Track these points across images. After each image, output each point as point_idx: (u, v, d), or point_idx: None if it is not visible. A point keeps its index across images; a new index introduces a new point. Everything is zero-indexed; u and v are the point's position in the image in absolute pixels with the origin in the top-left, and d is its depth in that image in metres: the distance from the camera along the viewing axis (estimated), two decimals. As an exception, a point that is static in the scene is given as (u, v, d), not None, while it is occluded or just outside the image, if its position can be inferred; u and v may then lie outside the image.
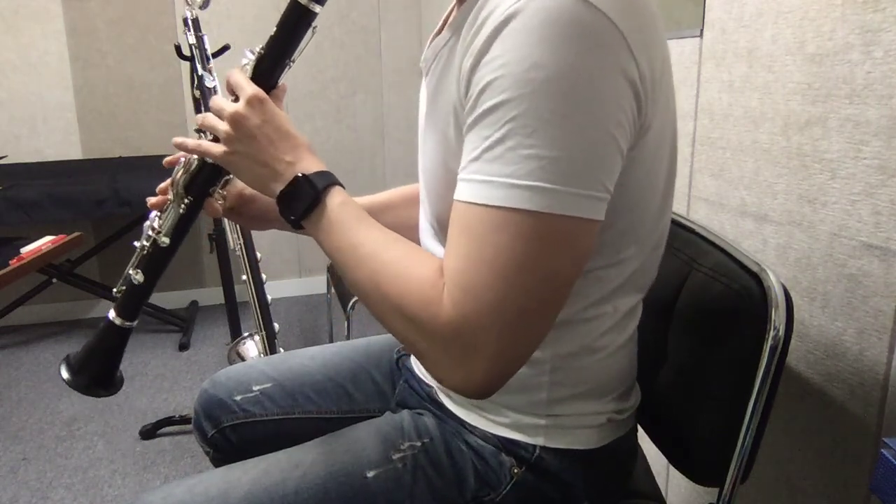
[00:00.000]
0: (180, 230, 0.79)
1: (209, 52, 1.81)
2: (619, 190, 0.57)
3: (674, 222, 0.91)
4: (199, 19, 1.83)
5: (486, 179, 0.52)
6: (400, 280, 0.57)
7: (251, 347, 2.04)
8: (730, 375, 0.70)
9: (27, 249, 1.67)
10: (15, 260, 1.61)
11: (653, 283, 0.73)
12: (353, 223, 0.63)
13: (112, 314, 0.82)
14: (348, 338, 1.99)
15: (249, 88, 0.69)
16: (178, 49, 2.00)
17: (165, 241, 0.78)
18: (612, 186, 0.54)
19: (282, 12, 0.70)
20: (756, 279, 0.70)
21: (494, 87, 0.51)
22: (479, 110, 0.52)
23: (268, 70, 0.72)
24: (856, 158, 0.80)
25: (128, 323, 0.82)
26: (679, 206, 1.22)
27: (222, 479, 0.71)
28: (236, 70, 0.72)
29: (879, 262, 0.78)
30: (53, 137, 2.84)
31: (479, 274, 0.52)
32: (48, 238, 1.77)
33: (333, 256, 0.64)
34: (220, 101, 0.71)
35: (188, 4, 1.77)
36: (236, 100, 0.69)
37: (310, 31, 0.71)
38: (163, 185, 0.82)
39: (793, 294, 0.88)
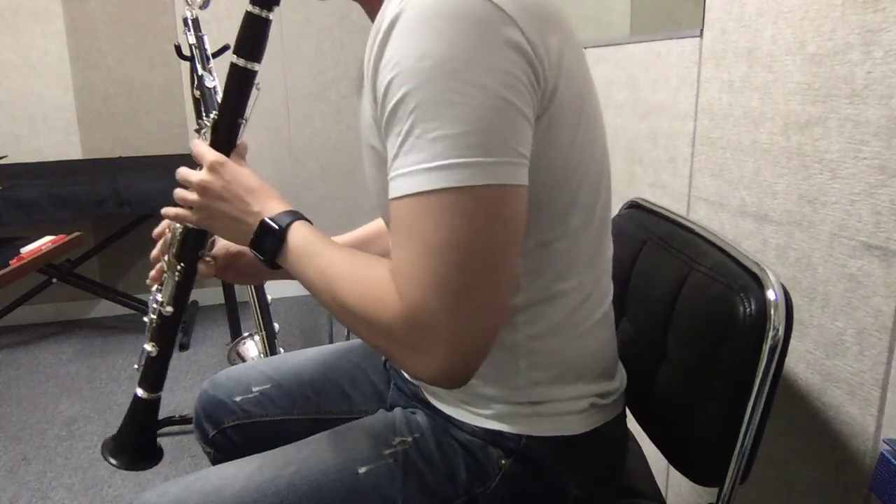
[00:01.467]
0: (180, 297, 0.84)
1: (209, 52, 1.81)
2: (549, 158, 0.60)
3: (674, 222, 0.91)
4: (199, 19, 1.83)
5: (405, 171, 0.54)
6: (355, 288, 0.60)
7: (251, 347, 2.04)
8: (730, 375, 0.70)
9: (27, 249, 1.67)
10: (15, 260, 1.61)
11: (611, 259, 0.75)
12: (315, 250, 0.66)
13: (139, 391, 0.86)
14: (348, 338, 1.99)
15: (210, 155, 0.74)
16: (178, 49, 2.00)
17: (169, 310, 0.83)
18: (525, 151, 0.56)
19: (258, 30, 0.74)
20: (756, 279, 0.70)
21: (393, 86, 0.54)
22: (387, 112, 0.55)
23: (224, 133, 0.76)
24: (856, 158, 0.80)
25: (154, 395, 0.87)
26: (679, 206, 1.22)
27: (217, 477, 0.72)
28: (197, 140, 0.78)
29: (879, 262, 0.77)
30: (53, 137, 2.84)
31: (417, 260, 0.54)
32: (48, 238, 1.77)
33: (305, 285, 0.67)
34: (186, 172, 0.76)
35: (188, 4, 1.77)
36: (202, 169, 0.74)
37: (255, 89, 0.76)
38: (154, 251, 0.86)
39: (793, 294, 0.88)
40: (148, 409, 0.87)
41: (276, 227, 0.68)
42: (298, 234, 0.68)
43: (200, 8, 1.74)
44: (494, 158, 0.53)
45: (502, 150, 0.54)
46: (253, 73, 0.74)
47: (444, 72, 0.52)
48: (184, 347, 2.62)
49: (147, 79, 2.89)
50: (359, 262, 0.63)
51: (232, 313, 2.21)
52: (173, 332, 0.85)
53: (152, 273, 0.87)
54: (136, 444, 0.88)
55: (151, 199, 2.37)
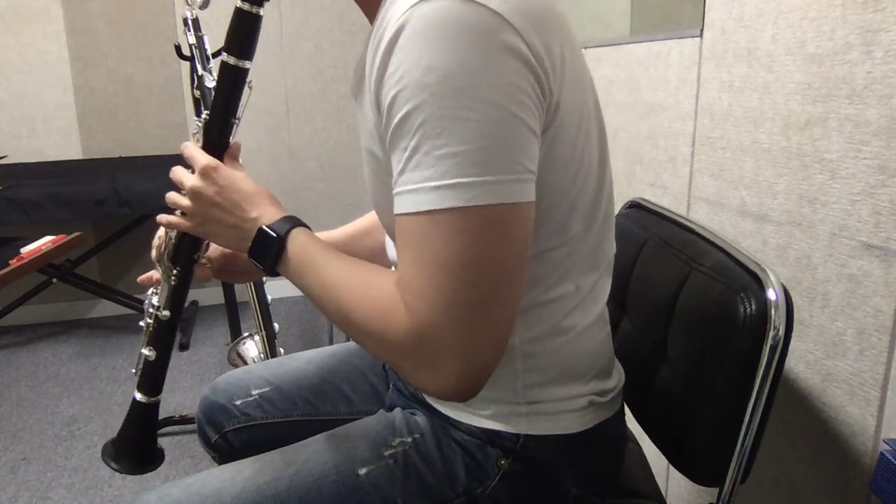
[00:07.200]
0: (177, 301, 0.83)
1: (209, 52, 1.81)
2: (551, 170, 0.60)
3: (674, 222, 0.91)
4: (199, 19, 1.83)
5: (412, 188, 0.54)
6: (361, 302, 0.60)
7: (251, 347, 2.04)
8: (730, 375, 0.70)
9: (27, 249, 1.67)
10: (15, 260, 1.61)
11: (613, 258, 0.74)
12: (317, 259, 0.66)
13: (137, 395, 0.86)
14: (348, 339, 1.99)
15: (202, 159, 0.72)
16: (178, 49, 2.00)
17: (166, 314, 0.82)
18: (533, 166, 0.55)
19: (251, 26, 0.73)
20: (756, 279, 0.70)
21: (399, 100, 0.53)
22: (393, 125, 0.54)
23: (216, 134, 0.75)
24: (856, 158, 0.80)
25: (152, 399, 0.86)
26: (679, 206, 1.22)
27: (217, 479, 0.72)
28: (188, 142, 0.76)
29: (879, 262, 0.78)
30: (53, 137, 2.84)
31: (425, 277, 0.54)
32: (48, 238, 1.76)
33: (307, 295, 0.67)
34: (181, 173, 0.74)
35: (188, 4, 1.76)
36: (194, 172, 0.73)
37: (247, 88, 0.74)
38: (153, 253, 0.85)
39: (793, 294, 0.88)
40: (148, 413, 0.87)
41: (275, 235, 0.67)
42: (298, 243, 0.67)
43: (200, 8, 1.74)
44: (502, 176, 0.53)
45: (510, 168, 0.53)
46: (244, 72, 0.73)
47: (451, 87, 0.51)
48: (184, 347, 2.62)
49: (147, 79, 2.89)
50: (362, 274, 0.63)
51: (232, 313, 2.21)
52: (171, 335, 0.85)
53: (142, 277, 0.87)
54: (137, 448, 0.88)
55: (151, 199, 2.37)
